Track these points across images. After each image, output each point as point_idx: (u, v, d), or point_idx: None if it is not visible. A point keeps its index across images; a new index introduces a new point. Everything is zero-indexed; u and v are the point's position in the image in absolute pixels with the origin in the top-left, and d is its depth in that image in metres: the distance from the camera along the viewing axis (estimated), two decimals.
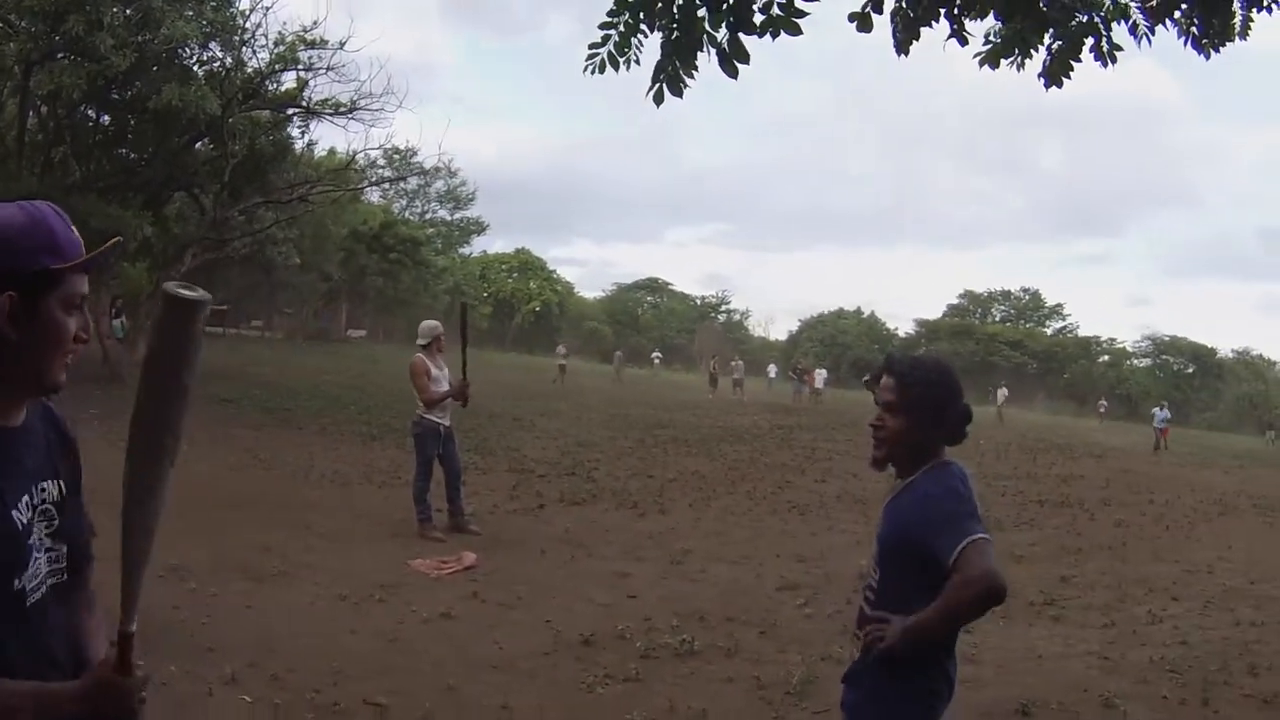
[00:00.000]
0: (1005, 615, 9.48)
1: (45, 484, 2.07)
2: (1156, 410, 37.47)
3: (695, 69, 5.52)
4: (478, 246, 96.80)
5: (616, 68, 5.70)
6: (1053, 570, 12.03)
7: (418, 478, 11.61)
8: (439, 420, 11.49)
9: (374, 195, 77.02)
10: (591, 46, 5.58)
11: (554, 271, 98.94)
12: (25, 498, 2.01)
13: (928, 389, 3.53)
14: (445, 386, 11.53)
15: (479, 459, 17.77)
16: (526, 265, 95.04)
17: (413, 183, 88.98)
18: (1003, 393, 53.17)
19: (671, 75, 5.49)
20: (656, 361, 78.22)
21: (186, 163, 25.50)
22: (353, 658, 7.00)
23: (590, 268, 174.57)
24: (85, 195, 22.83)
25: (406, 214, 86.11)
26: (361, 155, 31.42)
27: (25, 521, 2.00)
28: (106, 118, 25.21)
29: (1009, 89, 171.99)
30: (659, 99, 5.59)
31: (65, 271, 2.00)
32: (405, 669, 6.89)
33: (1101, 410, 66.54)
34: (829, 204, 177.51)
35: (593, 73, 5.66)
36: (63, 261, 2.00)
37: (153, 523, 2.05)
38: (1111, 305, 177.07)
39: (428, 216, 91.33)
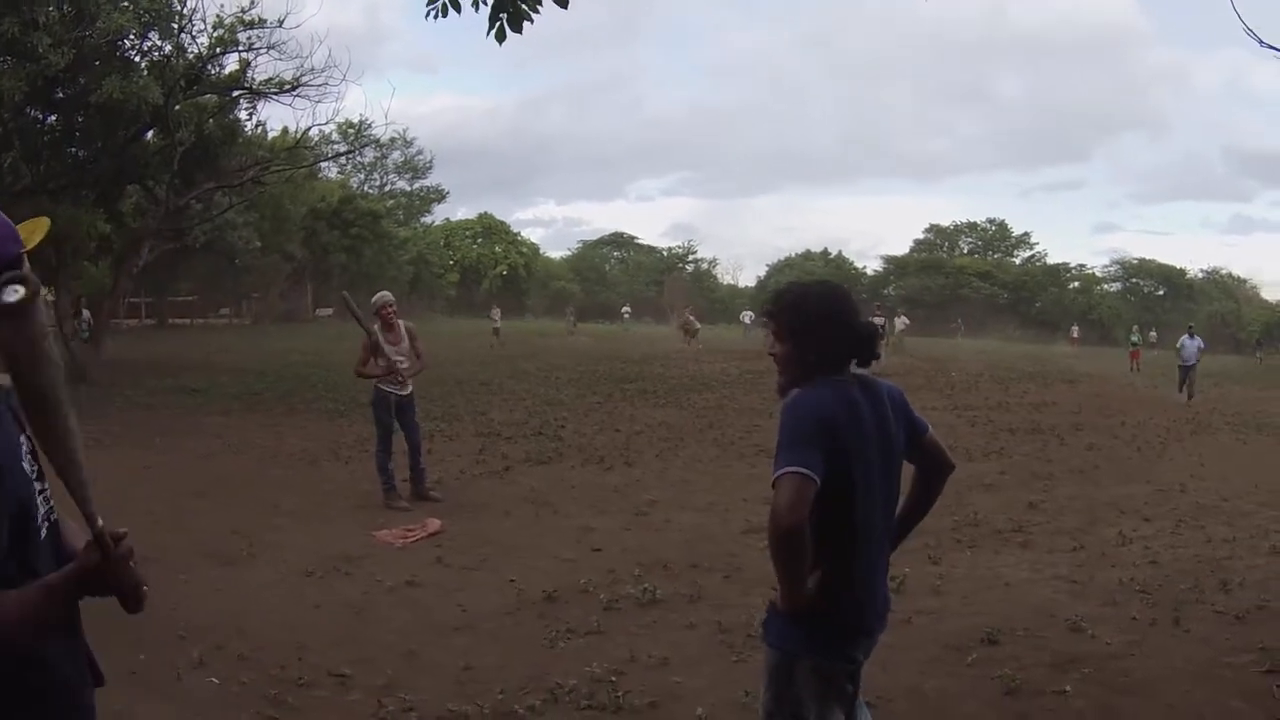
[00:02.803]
0: (972, 544, 9.63)
1: (23, 437, 2.20)
2: (1186, 339, 30.59)
3: (539, 3, 5.68)
4: (439, 214, 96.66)
5: (459, 9, 5.87)
6: (1021, 497, 12.11)
7: (378, 449, 11.60)
8: (390, 390, 11.47)
9: (331, 171, 76.99)
10: None
11: (518, 234, 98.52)
12: (24, 447, 2.19)
13: (798, 314, 3.59)
14: (396, 360, 11.45)
15: (445, 425, 17.87)
16: (490, 229, 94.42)
17: (369, 155, 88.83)
18: (901, 321, 53.69)
19: (513, 13, 5.65)
20: (626, 316, 78.23)
21: (135, 155, 25.19)
22: (317, 632, 7.06)
23: (555, 228, 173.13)
24: (37, 198, 22.66)
25: (365, 188, 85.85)
26: (315, 131, 31.28)
27: (30, 470, 2.19)
28: (53, 117, 24.88)
29: (966, 19, 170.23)
30: (500, 36, 5.72)
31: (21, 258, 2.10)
32: (369, 638, 6.94)
33: (1075, 337, 66.69)
34: (790, 145, 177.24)
35: (435, 17, 5.83)
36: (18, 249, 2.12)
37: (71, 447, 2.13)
38: (1080, 232, 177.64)
39: (387, 189, 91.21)
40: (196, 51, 24.22)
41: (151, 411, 19.67)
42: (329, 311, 67.79)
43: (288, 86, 25.40)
